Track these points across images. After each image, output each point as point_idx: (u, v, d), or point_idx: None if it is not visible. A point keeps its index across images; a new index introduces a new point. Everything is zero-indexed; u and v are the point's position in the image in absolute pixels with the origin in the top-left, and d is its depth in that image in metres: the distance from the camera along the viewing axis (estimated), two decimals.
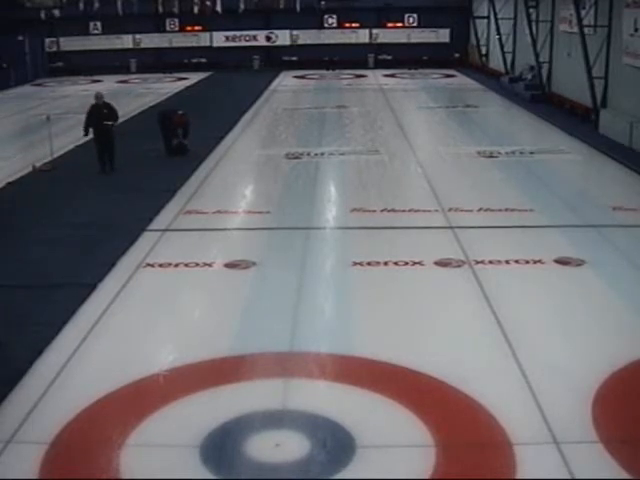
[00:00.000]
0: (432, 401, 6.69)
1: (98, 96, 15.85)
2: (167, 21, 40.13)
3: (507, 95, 27.99)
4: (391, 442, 6.07)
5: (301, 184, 14.94)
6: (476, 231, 11.54)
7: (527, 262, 9.98)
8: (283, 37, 40.10)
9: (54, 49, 39.56)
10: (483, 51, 36.81)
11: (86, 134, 15.72)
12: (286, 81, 35.10)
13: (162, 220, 12.30)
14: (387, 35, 40.05)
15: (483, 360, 7.41)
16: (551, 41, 25.73)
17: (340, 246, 11.30)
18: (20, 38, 35.76)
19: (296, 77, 36.36)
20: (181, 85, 33.66)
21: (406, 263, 10.02)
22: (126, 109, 25.93)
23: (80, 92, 31.91)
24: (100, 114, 15.43)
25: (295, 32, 39.85)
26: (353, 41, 39.94)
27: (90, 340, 7.95)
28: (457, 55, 39.39)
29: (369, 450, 5.94)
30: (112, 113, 15.65)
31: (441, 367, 7.13)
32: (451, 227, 11.66)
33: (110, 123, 15.47)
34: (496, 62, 33.90)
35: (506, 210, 12.56)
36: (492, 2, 33.42)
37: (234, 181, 15.46)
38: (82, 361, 7.51)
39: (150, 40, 39.90)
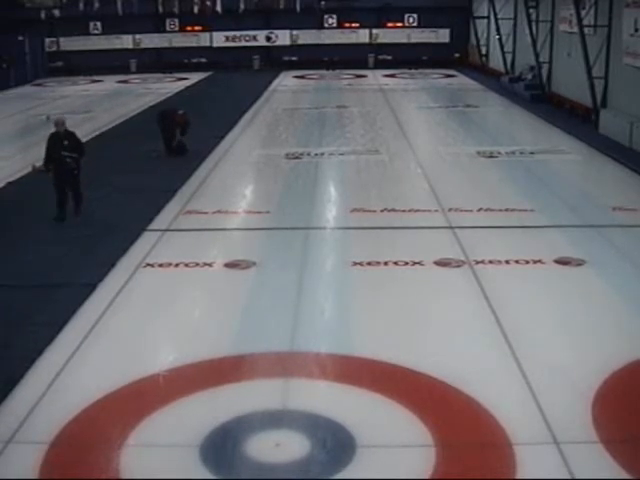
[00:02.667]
0: (432, 401, 6.69)
1: (58, 122, 12.42)
2: (167, 21, 40.16)
3: (507, 95, 28.00)
4: (391, 442, 6.07)
5: (301, 184, 14.93)
6: (476, 231, 11.53)
7: (527, 262, 9.98)
8: (283, 37, 40.11)
9: (54, 49, 39.60)
10: (483, 51, 36.83)
11: (48, 170, 12.36)
12: (286, 81, 35.10)
13: (162, 220, 12.30)
14: (387, 35, 40.07)
15: (483, 360, 7.40)
16: (551, 41, 25.73)
17: (340, 246, 11.30)
18: (20, 38, 35.78)
19: (296, 77, 36.37)
20: (181, 85, 33.68)
21: (406, 263, 10.01)
22: (126, 109, 26.01)
23: (80, 92, 31.97)
24: (60, 145, 12.16)
25: (295, 32, 39.87)
26: (353, 41, 39.95)
27: (90, 340, 7.94)
28: (457, 55, 39.40)
29: (369, 450, 5.94)
30: (75, 144, 12.34)
31: (441, 367, 7.13)
32: (451, 227, 11.66)
33: (72, 156, 12.16)
34: (496, 62, 33.91)
35: (506, 210, 12.56)
36: (492, 2, 33.42)
37: (234, 181, 15.46)
38: (82, 361, 7.51)
39: (150, 40, 39.92)
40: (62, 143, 12.18)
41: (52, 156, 12.20)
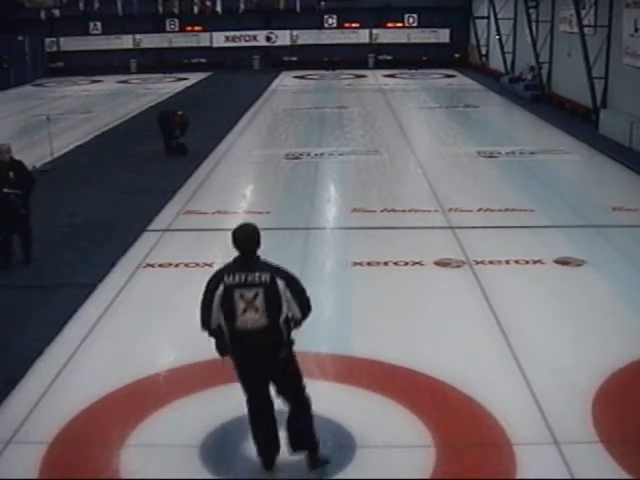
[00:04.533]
0: (432, 401, 6.69)
1: (1, 150, 9.91)
2: (167, 21, 40.20)
3: (507, 95, 28.00)
4: (391, 442, 6.06)
5: (301, 184, 14.92)
6: (476, 231, 11.53)
7: (527, 262, 9.98)
8: (283, 37, 40.13)
9: (54, 49, 39.62)
10: (483, 51, 36.83)
11: None
12: (286, 81, 35.10)
13: (162, 220, 12.30)
14: (387, 35, 40.09)
15: (483, 360, 7.40)
16: (551, 41, 25.74)
17: (340, 246, 11.29)
18: (20, 38, 35.78)
19: (296, 77, 36.36)
20: (181, 85, 33.68)
21: (406, 263, 10.01)
22: (126, 109, 26.01)
23: (80, 92, 31.97)
24: (4, 178, 9.79)
25: (295, 32, 39.88)
26: (353, 41, 39.98)
27: (90, 340, 7.94)
28: (457, 55, 39.40)
29: (369, 450, 5.94)
30: (22, 177, 9.97)
31: (441, 367, 7.13)
32: (451, 227, 11.65)
33: (17, 193, 9.82)
34: (496, 62, 33.91)
35: (506, 210, 12.56)
36: (492, 2, 33.43)
37: (234, 181, 15.46)
38: (82, 361, 7.51)
39: (150, 40, 39.95)
40: (6, 175, 9.83)
41: None
